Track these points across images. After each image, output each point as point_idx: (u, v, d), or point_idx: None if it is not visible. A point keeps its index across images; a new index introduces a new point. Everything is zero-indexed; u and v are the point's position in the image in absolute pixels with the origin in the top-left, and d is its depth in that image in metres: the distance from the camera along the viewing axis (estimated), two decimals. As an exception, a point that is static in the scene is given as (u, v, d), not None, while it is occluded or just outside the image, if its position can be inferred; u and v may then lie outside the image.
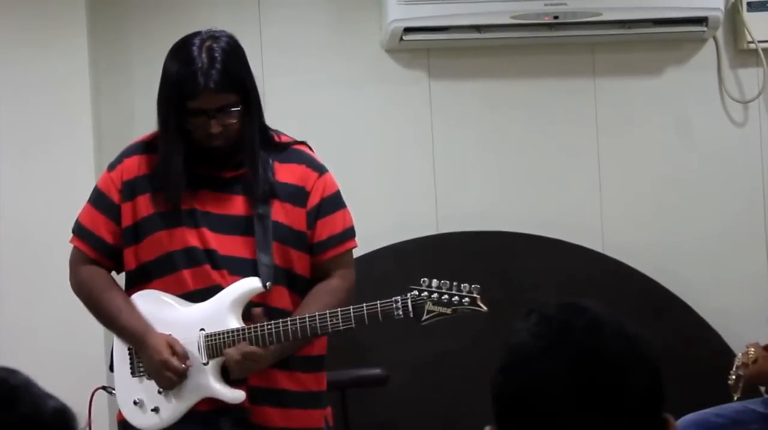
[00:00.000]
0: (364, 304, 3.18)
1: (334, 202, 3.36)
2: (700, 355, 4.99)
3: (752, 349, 4.12)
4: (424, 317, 3.19)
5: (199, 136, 3.22)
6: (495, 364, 1.66)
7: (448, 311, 3.19)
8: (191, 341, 3.24)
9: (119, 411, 3.41)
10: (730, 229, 5.19)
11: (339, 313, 3.17)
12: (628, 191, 5.22)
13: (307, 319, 3.16)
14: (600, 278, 5.04)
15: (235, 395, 3.22)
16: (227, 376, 3.24)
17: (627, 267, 5.10)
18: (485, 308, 3.17)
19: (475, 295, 3.18)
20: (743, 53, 5.22)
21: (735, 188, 5.23)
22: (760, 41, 5.13)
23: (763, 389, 4.29)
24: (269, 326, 3.17)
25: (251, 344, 3.18)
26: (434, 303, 3.19)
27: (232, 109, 3.22)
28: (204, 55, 3.20)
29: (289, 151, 3.35)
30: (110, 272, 3.37)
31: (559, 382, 1.61)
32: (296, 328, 3.16)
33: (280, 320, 3.17)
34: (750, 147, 5.25)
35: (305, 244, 3.31)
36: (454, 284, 3.20)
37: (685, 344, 4.97)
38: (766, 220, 5.19)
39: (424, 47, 5.12)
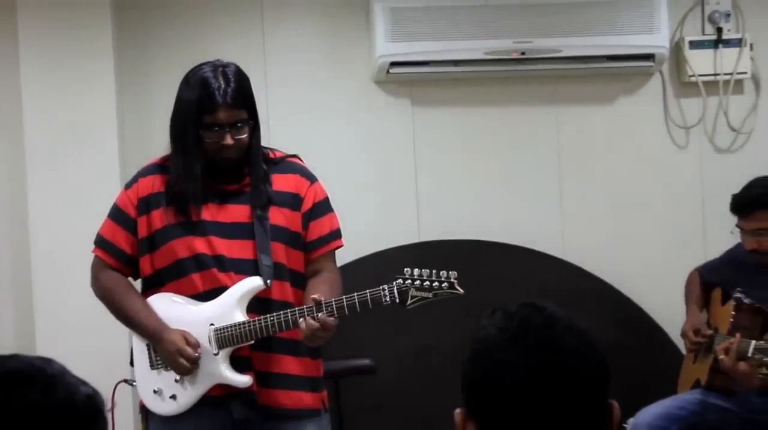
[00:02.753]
0: (356, 293, 3.15)
1: (324, 207, 3.35)
2: (646, 346, 5.02)
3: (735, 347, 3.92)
4: (409, 302, 3.16)
5: (213, 148, 3.20)
6: (466, 355, 1.67)
7: (430, 295, 3.16)
8: (203, 335, 3.22)
9: (140, 400, 3.39)
10: (673, 238, 5.21)
11: (333, 302, 3.15)
12: (586, 205, 5.23)
13: (305, 309, 3.13)
14: (561, 281, 5.05)
15: (243, 380, 3.20)
16: (235, 364, 3.23)
17: (584, 271, 5.12)
18: (462, 290, 3.15)
19: (452, 280, 3.16)
20: (685, 85, 5.24)
21: (678, 203, 5.25)
22: (699, 75, 5.17)
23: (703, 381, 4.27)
24: (271, 318, 3.16)
25: (255, 335, 3.18)
26: (417, 289, 3.16)
27: (243, 124, 3.22)
28: (220, 77, 3.20)
29: (284, 163, 3.35)
30: (128, 278, 3.36)
31: (520, 369, 1.62)
32: (296, 317, 3.14)
33: (281, 312, 3.15)
34: (691, 167, 5.27)
35: (300, 243, 3.30)
36: (434, 271, 3.17)
37: (634, 337, 5.01)
38: (704, 230, 5.20)
39: (407, 79, 5.12)
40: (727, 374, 4.03)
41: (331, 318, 3.14)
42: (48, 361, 1.54)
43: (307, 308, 3.15)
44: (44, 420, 1.46)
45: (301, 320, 3.14)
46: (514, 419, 1.62)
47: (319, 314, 3.13)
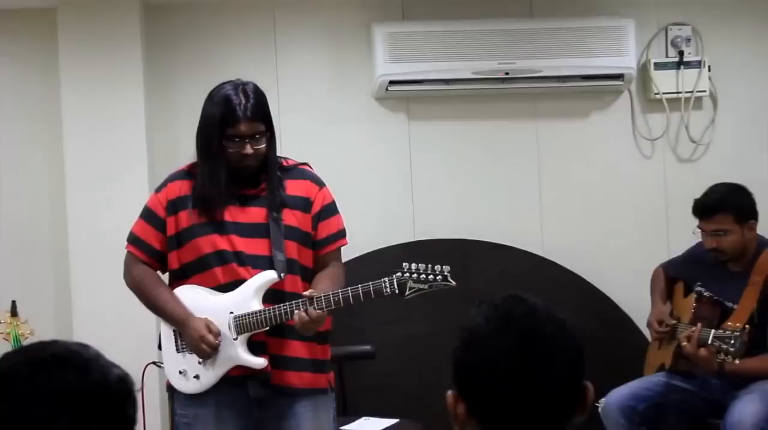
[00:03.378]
0: (360, 285, 3.14)
1: (331, 209, 3.34)
2: (616, 334, 4.99)
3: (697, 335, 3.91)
4: (407, 293, 3.15)
5: (235, 157, 3.19)
6: (456, 342, 1.68)
7: (426, 286, 3.16)
8: (223, 322, 3.22)
9: (167, 380, 3.39)
10: (641, 238, 5.19)
11: (340, 293, 3.16)
12: (563, 209, 5.22)
13: (314, 299, 3.14)
14: (540, 275, 5.04)
15: (259, 362, 3.21)
16: (252, 348, 3.23)
17: (561, 267, 5.11)
18: (454, 283, 3.15)
19: (446, 273, 3.15)
20: (651, 102, 5.22)
21: (644, 206, 5.23)
22: (663, 93, 5.15)
23: (666, 365, 4.29)
24: (282, 307, 3.17)
25: (270, 322, 3.18)
26: (414, 281, 3.16)
27: (261, 136, 3.22)
28: (240, 94, 3.20)
29: (296, 170, 3.34)
30: (157, 271, 3.36)
31: (504, 354, 1.62)
32: (306, 306, 3.14)
33: (293, 301, 3.16)
34: (656, 175, 5.25)
35: (310, 242, 3.29)
36: (429, 265, 3.17)
37: (605, 326, 4.98)
38: (668, 230, 5.18)
39: (404, 96, 5.12)
40: (689, 358, 4.04)
41: (320, 311, 3.13)
42: (84, 346, 1.53)
43: (302, 301, 3.14)
44: (80, 399, 1.45)
45: (296, 312, 3.14)
46: (500, 399, 1.62)
47: (309, 308, 3.13)
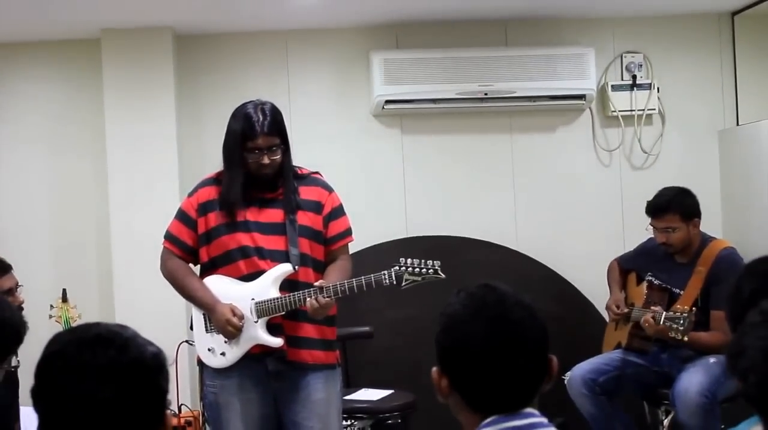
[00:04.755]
0: (363, 276, 3.15)
1: (339, 211, 3.33)
2: (578, 316, 4.96)
3: (653, 318, 3.91)
4: (403, 284, 3.17)
5: (254, 167, 3.19)
6: (437, 327, 1.68)
7: (419, 278, 3.17)
8: (246, 307, 3.22)
9: (197, 356, 3.40)
10: (600, 234, 5.17)
11: (346, 283, 3.15)
12: (534, 209, 5.20)
13: (323, 288, 3.13)
14: (514, 266, 5.02)
15: (276, 341, 3.21)
16: (270, 329, 3.22)
17: (532, 259, 5.09)
18: (444, 275, 3.16)
19: (437, 267, 3.18)
20: (609, 118, 5.20)
21: (603, 207, 5.21)
22: (619, 110, 5.14)
23: (624, 343, 4.28)
24: (297, 295, 3.16)
25: (286, 307, 3.17)
26: (410, 274, 3.17)
27: (277, 148, 3.21)
28: (259, 112, 3.19)
29: (309, 177, 3.32)
30: (189, 264, 3.36)
31: (480, 336, 1.62)
32: (317, 294, 3.14)
33: (306, 290, 3.16)
34: (614, 180, 5.23)
35: (322, 239, 3.29)
36: (423, 260, 3.19)
37: (569, 309, 4.95)
38: (623, 228, 5.16)
39: (398, 113, 5.11)
40: (641, 337, 4.08)
41: (328, 298, 3.13)
42: (123, 327, 1.53)
43: (313, 290, 3.15)
44: (120, 373, 1.45)
45: (308, 299, 3.15)
46: (476, 375, 1.62)
47: (319, 296, 3.13)
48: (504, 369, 1.61)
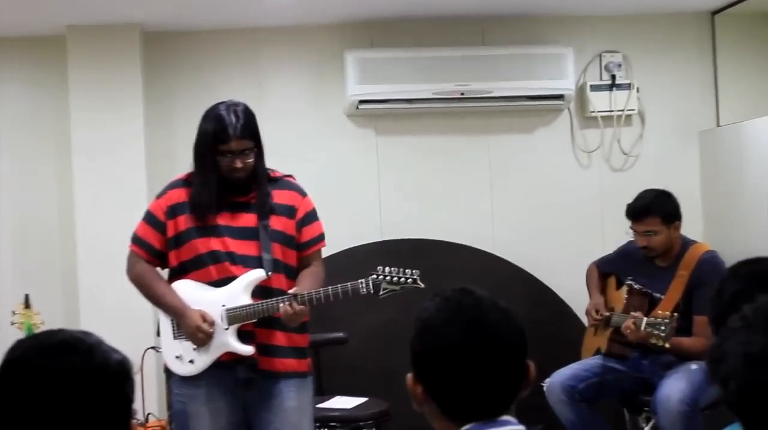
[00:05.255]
0: (339, 285, 3.15)
1: (312, 216, 3.32)
2: (556, 321, 4.98)
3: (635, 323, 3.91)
4: (381, 293, 3.18)
5: (227, 170, 3.17)
6: (412, 332, 1.66)
7: (398, 288, 3.19)
8: (216, 313, 3.21)
9: (164, 363, 3.37)
10: (579, 237, 5.20)
11: (321, 291, 3.16)
12: (511, 212, 5.22)
13: (298, 295, 3.13)
14: (491, 270, 5.03)
15: (247, 349, 3.20)
16: (241, 337, 3.22)
17: (510, 263, 5.11)
18: (423, 285, 3.18)
19: (416, 277, 3.20)
20: (587, 119, 5.23)
21: (582, 210, 5.24)
22: (598, 111, 5.17)
23: (603, 349, 4.30)
24: (268, 302, 3.15)
25: (257, 314, 3.16)
26: (388, 283, 3.18)
27: (250, 151, 3.20)
28: (232, 115, 3.17)
29: (282, 181, 3.32)
30: (156, 268, 3.34)
31: (456, 340, 1.61)
32: (291, 301, 3.13)
33: (279, 297, 3.15)
34: (592, 182, 5.26)
35: (294, 244, 3.28)
36: (401, 269, 3.20)
37: (547, 314, 4.98)
38: (603, 231, 5.19)
39: (372, 114, 5.11)
40: (621, 343, 4.10)
41: (302, 306, 3.14)
42: (87, 334, 1.53)
43: (287, 297, 3.14)
44: (84, 380, 1.45)
45: (281, 305, 3.14)
46: (451, 382, 1.60)
47: (294, 303, 3.13)
48: (480, 374, 1.59)
